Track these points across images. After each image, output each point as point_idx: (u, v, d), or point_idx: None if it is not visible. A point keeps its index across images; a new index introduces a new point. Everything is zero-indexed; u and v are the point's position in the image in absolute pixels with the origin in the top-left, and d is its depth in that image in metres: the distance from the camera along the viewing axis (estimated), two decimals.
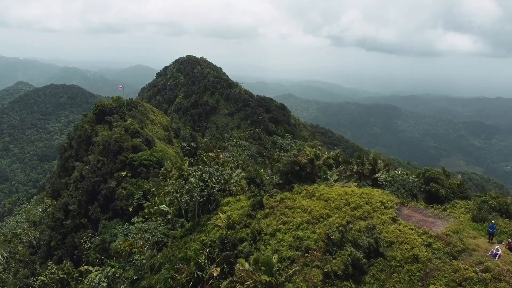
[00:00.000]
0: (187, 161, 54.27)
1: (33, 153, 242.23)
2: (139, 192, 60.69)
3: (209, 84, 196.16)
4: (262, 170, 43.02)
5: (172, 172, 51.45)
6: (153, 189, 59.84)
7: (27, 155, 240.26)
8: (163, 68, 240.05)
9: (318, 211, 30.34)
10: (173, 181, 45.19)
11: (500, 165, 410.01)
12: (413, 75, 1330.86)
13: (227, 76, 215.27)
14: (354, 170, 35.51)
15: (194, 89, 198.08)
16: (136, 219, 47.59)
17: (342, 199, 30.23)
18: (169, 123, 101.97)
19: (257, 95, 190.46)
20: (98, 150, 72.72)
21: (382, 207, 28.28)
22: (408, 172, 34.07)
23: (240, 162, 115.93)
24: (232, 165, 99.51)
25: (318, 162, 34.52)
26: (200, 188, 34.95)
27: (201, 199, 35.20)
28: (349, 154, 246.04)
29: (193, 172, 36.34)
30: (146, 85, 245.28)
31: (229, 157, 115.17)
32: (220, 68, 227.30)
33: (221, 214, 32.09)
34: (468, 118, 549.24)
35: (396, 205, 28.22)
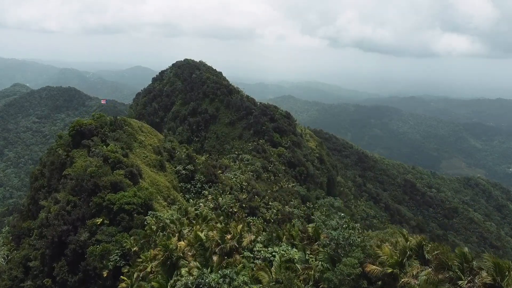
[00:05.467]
0: (176, 236, 38.98)
1: (28, 158, 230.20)
2: (117, 251, 46.07)
3: (209, 90, 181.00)
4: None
5: (155, 251, 36.32)
6: (135, 248, 45.17)
7: (22, 159, 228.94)
8: (159, 73, 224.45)
9: None
10: (155, 268, 30.18)
11: (502, 167, 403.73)
12: (411, 76, 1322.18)
13: (227, 81, 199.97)
14: (462, 285, 20.61)
15: (192, 96, 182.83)
16: None
17: None
18: (162, 143, 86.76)
19: (260, 103, 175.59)
20: (69, 187, 57.49)
21: None
22: None
23: (244, 184, 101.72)
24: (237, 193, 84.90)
25: (405, 279, 19.50)
26: None
27: None
28: (354, 161, 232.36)
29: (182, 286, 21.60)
30: (141, 90, 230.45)
31: (231, 179, 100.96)
32: (220, 73, 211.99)
33: None
34: (468, 120, 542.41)
35: None
